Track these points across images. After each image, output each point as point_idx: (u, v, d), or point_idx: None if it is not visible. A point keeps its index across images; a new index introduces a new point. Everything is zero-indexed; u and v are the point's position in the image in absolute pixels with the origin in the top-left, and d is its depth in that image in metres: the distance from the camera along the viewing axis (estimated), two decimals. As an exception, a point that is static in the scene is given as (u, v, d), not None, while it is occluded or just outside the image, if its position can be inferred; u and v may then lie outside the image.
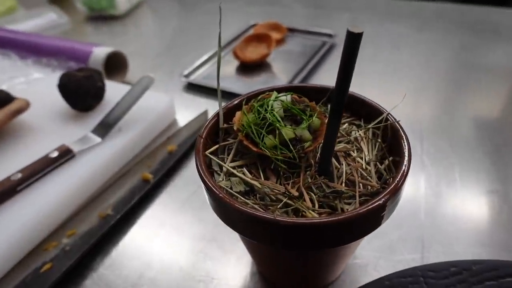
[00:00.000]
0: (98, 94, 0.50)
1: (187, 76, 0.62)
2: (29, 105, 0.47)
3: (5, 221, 0.36)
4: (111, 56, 0.62)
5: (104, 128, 0.45)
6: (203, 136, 0.27)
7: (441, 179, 0.41)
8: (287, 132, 0.25)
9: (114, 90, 0.53)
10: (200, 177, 0.24)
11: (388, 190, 0.21)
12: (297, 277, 0.31)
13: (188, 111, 0.54)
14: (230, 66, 0.65)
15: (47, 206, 0.37)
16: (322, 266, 0.29)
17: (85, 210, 0.40)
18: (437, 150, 0.45)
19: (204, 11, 0.92)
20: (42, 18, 0.91)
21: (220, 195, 0.22)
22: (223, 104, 0.29)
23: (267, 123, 0.25)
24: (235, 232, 0.24)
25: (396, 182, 0.22)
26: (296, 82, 0.58)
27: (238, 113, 0.28)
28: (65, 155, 0.42)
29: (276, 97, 0.27)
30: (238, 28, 0.75)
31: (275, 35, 0.71)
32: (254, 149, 0.25)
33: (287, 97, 0.27)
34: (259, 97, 0.28)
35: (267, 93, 0.29)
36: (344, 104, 0.22)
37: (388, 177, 0.24)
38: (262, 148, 0.25)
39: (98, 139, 0.44)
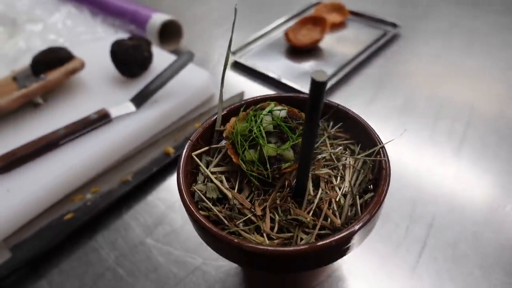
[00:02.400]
0: (144, 64, 0.53)
1: (234, 53, 0.62)
2: (84, 66, 0.52)
3: (46, 169, 0.42)
4: (168, 23, 0.65)
5: (141, 98, 0.49)
6: (192, 140, 0.28)
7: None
8: (269, 150, 0.25)
9: (161, 60, 0.55)
10: (177, 182, 0.25)
11: (337, 237, 0.21)
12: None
13: (227, 88, 0.56)
14: (279, 48, 0.64)
15: (81, 162, 0.43)
16: (300, 283, 0.30)
17: (110, 173, 0.44)
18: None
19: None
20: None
21: (187, 203, 0.24)
22: (226, 103, 0.30)
23: (252, 137, 0.26)
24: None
25: (349, 231, 0.21)
26: (344, 73, 0.56)
27: (232, 119, 0.29)
28: (103, 118, 0.46)
29: (270, 111, 0.27)
30: (299, 7, 0.72)
31: (335, 18, 0.67)
32: (234, 160, 0.26)
33: (281, 112, 0.27)
34: (258, 105, 0.29)
35: (268, 102, 0.29)
36: (314, 143, 0.21)
37: (355, 218, 0.24)
38: (240, 161, 0.25)
39: (133, 109, 0.48)
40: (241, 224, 0.24)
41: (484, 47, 0.60)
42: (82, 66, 0.52)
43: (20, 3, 0.76)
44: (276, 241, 0.23)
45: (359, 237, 0.22)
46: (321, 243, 0.21)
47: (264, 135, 0.26)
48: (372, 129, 0.27)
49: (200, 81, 0.53)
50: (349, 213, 0.24)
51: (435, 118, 0.48)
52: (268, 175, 0.25)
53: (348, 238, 0.21)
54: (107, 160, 0.45)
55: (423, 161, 0.43)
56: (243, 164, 0.25)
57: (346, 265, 0.34)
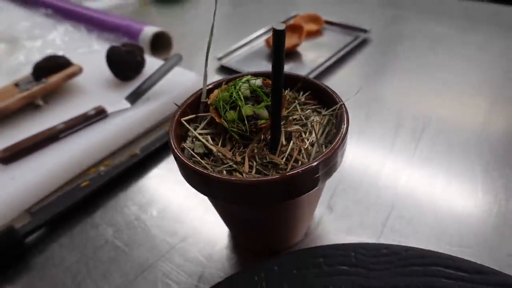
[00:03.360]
0: (137, 67, 0.58)
1: (220, 59, 0.68)
2: (82, 70, 0.57)
3: (47, 159, 0.46)
4: (159, 35, 0.70)
5: (135, 96, 0.53)
6: (181, 107, 0.32)
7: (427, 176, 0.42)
8: (246, 109, 0.30)
9: (153, 65, 0.60)
10: (169, 139, 0.29)
11: (305, 166, 0.25)
12: (261, 237, 0.36)
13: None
14: (261, 54, 0.69)
15: (79, 152, 0.47)
16: (278, 225, 0.33)
17: (119, 151, 0.50)
18: (464, 152, 0.46)
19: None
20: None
21: (177, 153, 0.28)
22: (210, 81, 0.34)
23: (232, 100, 0.30)
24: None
25: (317, 159, 0.25)
26: (318, 72, 0.61)
27: (216, 91, 0.33)
28: (100, 114, 0.51)
29: (247, 80, 0.32)
30: (278, 19, 0.78)
31: (312, 27, 0.73)
32: (217, 120, 0.30)
33: (257, 81, 0.32)
34: (237, 79, 0.33)
35: (243, 76, 0.34)
36: (280, 89, 0.25)
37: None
38: (223, 120, 0.30)
39: (128, 105, 0.52)
40: (224, 171, 0.28)
41: (446, 48, 0.66)
42: (80, 70, 0.57)
43: (20, 24, 0.82)
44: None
45: (322, 169, 0.26)
46: (291, 172, 0.25)
47: (242, 98, 0.30)
48: (334, 91, 0.32)
49: (188, 81, 0.58)
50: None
51: (397, 117, 0.52)
52: (246, 130, 0.29)
53: (315, 169, 0.25)
54: (105, 150, 0.49)
55: (383, 163, 0.46)
56: (225, 122, 0.29)
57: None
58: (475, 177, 0.42)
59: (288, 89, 0.35)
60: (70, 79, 0.56)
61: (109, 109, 0.51)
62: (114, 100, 0.54)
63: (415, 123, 0.50)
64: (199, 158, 0.29)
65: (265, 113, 0.30)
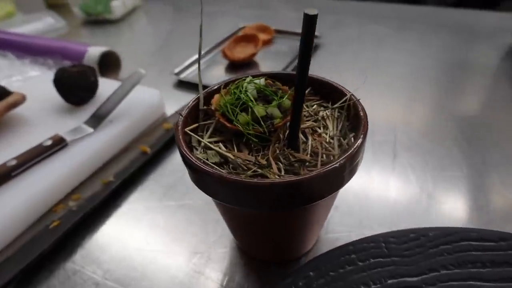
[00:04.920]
0: (90, 89, 0.52)
1: (177, 74, 0.65)
2: (25, 98, 0.50)
3: (1, 204, 0.38)
4: (105, 55, 0.65)
5: (96, 120, 0.48)
6: (184, 115, 0.29)
7: (411, 166, 0.44)
8: (259, 109, 0.28)
9: (107, 86, 0.55)
10: (178, 148, 0.26)
11: (346, 155, 0.24)
12: (271, 246, 0.33)
13: (178, 106, 0.57)
14: (219, 65, 0.68)
15: (38, 191, 0.40)
16: (293, 233, 0.31)
17: (89, 179, 0.44)
18: (411, 141, 0.48)
19: (196, 14, 0.96)
20: (40, 22, 0.94)
21: (193, 161, 0.25)
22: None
23: (241, 103, 0.28)
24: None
25: (353, 148, 0.25)
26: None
27: (216, 96, 0.31)
28: (58, 143, 0.44)
29: (251, 80, 0.30)
30: (228, 30, 0.78)
31: (263, 36, 0.74)
32: (229, 125, 0.28)
33: (261, 81, 0.30)
34: (236, 82, 0.31)
35: (243, 78, 0.32)
36: (306, 82, 0.24)
37: (348, 148, 0.27)
38: (236, 124, 0.27)
39: (90, 130, 0.47)
40: (249, 176, 0.26)
41: (389, 45, 0.72)
42: (23, 99, 0.50)
43: None
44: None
45: (351, 164, 0.25)
46: (328, 167, 0.23)
47: (252, 98, 0.28)
48: (338, 84, 0.31)
49: (151, 98, 0.54)
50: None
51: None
52: (265, 131, 0.27)
53: (352, 158, 0.24)
54: (69, 185, 0.43)
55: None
56: (240, 126, 0.27)
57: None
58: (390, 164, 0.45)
59: (286, 87, 0.34)
60: (13, 109, 0.49)
61: (68, 137, 0.45)
62: (70, 126, 0.48)
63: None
64: (218, 168, 0.26)
65: (277, 112, 0.28)
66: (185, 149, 0.26)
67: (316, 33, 0.73)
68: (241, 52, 0.68)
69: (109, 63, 0.66)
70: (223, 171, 0.26)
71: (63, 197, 0.42)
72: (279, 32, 0.77)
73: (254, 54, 0.66)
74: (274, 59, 0.68)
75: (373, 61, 0.67)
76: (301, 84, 0.24)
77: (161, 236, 0.38)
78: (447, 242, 0.29)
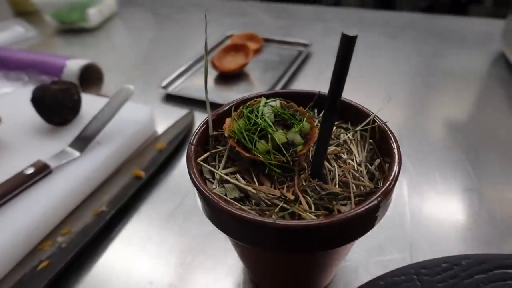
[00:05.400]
0: (74, 108, 0.48)
1: (165, 87, 0.61)
2: (0, 120, 0.45)
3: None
4: (86, 69, 0.60)
5: (82, 142, 0.44)
6: (194, 144, 0.26)
7: (422, 179, 0.42)
8: (279, 136, 0.25)
9: (90, 103, 0.51)
10: (194, 184, 0.23)
11: (383, 190, 0.22)
12: (291, 283, 0.31)
13: (169, 122, 0.54)
14: (208, 76, 0.64)
15: (21, 227, 0.35)
16: (315, 270, 0.29)
17: (78, 209, 0.40)
18: (416, 151, 0.46)
19: (176, 21, 0.92)
20: (7, 31, 0.87)
21: (216, 201, 0.22)
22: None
23: (259, 129, 0.25)
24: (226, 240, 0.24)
25: (389, 181, 0.22)
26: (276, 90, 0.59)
27: (228, 120, 0.28)
28: (42, 171, 0.40)
29: (266, 103, 0.27)
30: (214, 39, 0.75)
31: (252, 45, 0.71)
32: (247, 154, 0.25)
33: (276, 103, 0.27)
34: (248, 104, 0.28)
35: (255, 99, 0.29)
36: (337, 107, 0.22)
37: (379, 177, 0.25)
38: (255, 153, 0.25)
39: (76, 153, 0.43)
40: (276, 214, 0.23)
41: (380, 52, 0.71)
42: (-2, 120, 0.45)
43: None
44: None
45: (391, 196, 0.23)
46: (371, 202, 0.21)
47: (271, 124, 0.25)
48: (359, 104, 0.29)
49: (142, 116, 0.50)
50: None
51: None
52: (288, 160, 0.24)
53: (389, 192, 0.22)
54: (56, 216, 0.38)
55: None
56: (260, 156, 0.24)
57: None
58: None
59: (301, 107, 0.31)
60: (-14, 132, 0.44)
61: (52, 163, 0.41)
62: (53, 150, 0.43)
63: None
64: (240, 205, 0.23)
65: (299, 138, 0.26)
66: (203, 186, 0.23)
67: (305, 42, 0.71)
68: (231, 62, 0.65)
69: (90, 77, 0.62)
70: (252, 211, 0.23)
71: (50, 232, 0.37)
72: (267, 40, 0.74)
73: (245, 65, 0.63)
74: (265, 70, 0.66)
75: (365, 69, 0.65)
76: (332, 109, 0.22)
77: (165, 273, 0.34)
78: (481, 271, 0.27)
